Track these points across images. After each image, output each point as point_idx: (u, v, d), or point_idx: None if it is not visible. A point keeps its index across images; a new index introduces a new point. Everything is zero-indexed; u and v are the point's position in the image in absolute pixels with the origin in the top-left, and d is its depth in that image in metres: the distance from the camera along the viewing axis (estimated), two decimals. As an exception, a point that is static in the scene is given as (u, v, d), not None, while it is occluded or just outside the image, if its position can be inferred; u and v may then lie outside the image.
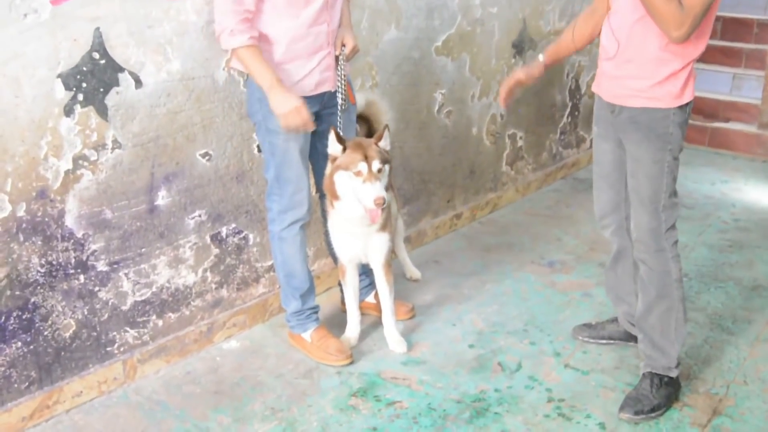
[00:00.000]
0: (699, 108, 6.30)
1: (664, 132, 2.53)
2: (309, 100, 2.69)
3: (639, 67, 2.51)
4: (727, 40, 7.21)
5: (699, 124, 6.27)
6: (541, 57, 2.89)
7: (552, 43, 2.96)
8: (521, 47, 4.60)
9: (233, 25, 2.49)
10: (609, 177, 2.80)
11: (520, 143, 4.83)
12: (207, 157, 2.92)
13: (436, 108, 4.02)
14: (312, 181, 2.96)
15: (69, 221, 2.55)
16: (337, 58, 2.77)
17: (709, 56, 6.45)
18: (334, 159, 2.70)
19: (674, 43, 2.40)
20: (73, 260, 2.59)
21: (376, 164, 2.65)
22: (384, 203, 2.62)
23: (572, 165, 5.54)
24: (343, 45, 2.78)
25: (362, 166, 2.63)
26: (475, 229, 4.44)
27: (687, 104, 2.55)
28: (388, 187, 2.76)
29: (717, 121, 6.71)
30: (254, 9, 2.53)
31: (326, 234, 3.03)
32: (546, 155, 5.19)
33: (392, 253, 3.13)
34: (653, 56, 2.47)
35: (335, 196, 2.73)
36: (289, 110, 2.57)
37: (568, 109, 5.35)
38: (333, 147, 2.70)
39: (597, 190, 2.88)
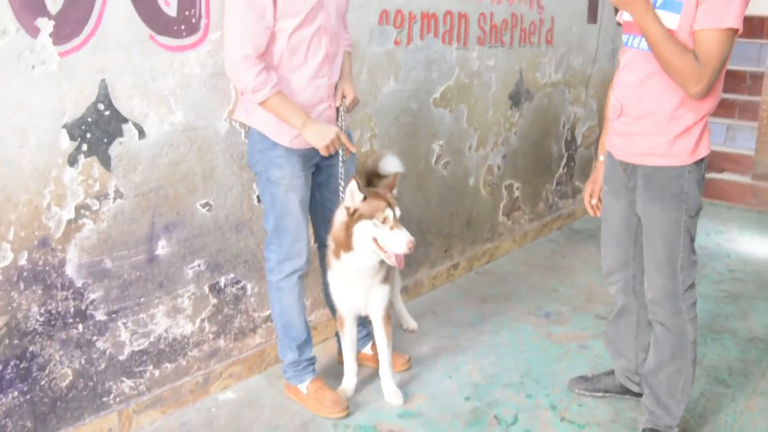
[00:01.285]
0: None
1: (679, 191, 2.47)
2: (310, 152, 2.73)
3: (653, 124, 2.46)
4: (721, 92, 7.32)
5: (693, 175, 6.35)
6: (600, 157, 2.83)
7: (601, 135, 2.87)
8: (518, 99, 4.67)
9: (253, 81, 2.54)
10: (617, 236, 2.75)
11: (516, 194, 4.87)
12: (207, 207, 2.94)
13: (434, 159, 4.07)
14: (311, 231, 2.98)
15: (69, 270, 2.55)
16: (337, 109, 2.81)
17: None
18: (354, 210, 2.67)
19: (692, 99, 2.36)
20: (72, 309, 2.59)
21: (398, 211, 2.68)
22: (413, 247, 2.63)
23: (568, 215, 5.58)
24: (344, 96, 2.82)
25: (389, 213, 2.64)
26: (472, 279, 4.45)
27: (702, 160, 2.49)
28: None
29: (712, 171, 6.78)
30: (264, 50, 2.57)
31: (324, 285, 3.04)
32: (542, 206, 5.23)
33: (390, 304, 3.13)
34: (667, 112, 2.43)
35: (349, 248, 2.71)
36: (329, 141, 2.65)
37: (564, 160, 5.40)
38: (354, 197, 2.67)
39: (605, 247, 2.83)
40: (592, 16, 5.40)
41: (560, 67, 5.09)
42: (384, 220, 2.64)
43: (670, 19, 2.31)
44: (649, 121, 2.46)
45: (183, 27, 2.71)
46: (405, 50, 3.71)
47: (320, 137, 2.65)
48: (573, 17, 5.14)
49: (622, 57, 2.60)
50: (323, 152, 2.68)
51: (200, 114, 2.84)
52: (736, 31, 2.27)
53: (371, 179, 3.17)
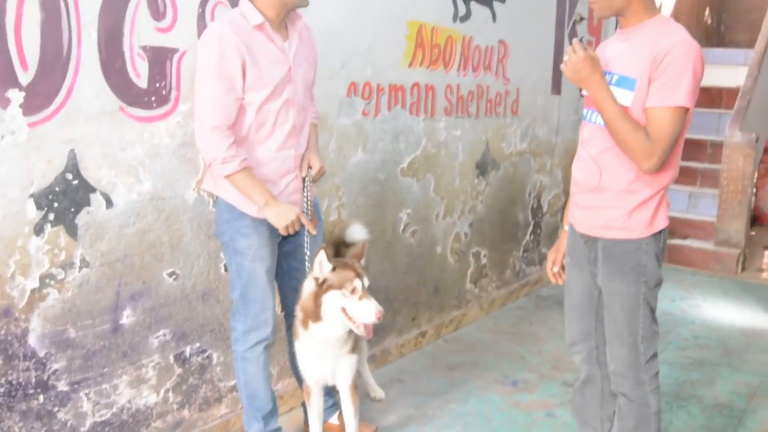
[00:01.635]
0: (657, 226, 6.49)
1: (637, 264, 2.49)
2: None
3: (610, 198, 2.50)
4: (683, 160, 7.45)
5: (658, 242, 6.46)
6: (566, 227, 2.85)
7: (567, 205, 2.89)
8: (484, 168, 4.76)
9: (223, 153, 2.58)
10: (579, 307, 2.77)
11: (483, 261, 4.92)
12: (174, 276, 2.94)
13: (401, 227, 4.11)
14: (278, 299, 2.99)
15: (32, 340, 2.53)
16: (303, 179, 2.86)
17: (665, 177, 6.75)
18: (323, 281, 2.68)
19: (645, 174, 2.41)
20: (33, 380, 2.55)
21: (366, 281, 2.69)
22: (381, 317, 2.64)
23: (535, 282, 5.63)
24: (310, 167, 2.87)
25: (358, 284, 2.65)
26: (440, 347, 4.46)
27: (660, 233, 2.52)
28: None
29: (675, 237, 6.91)
30: (234, 122, 2.62)
31: (291, 354, 3.03)
32: (509, 273, 5.29)
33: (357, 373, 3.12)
34: (623, 186, 2.47)
35: (317, 318, 2.70)
36: (289, 222, 2.69)
37: (531, 228, 5.48)
38: (323, 268, 2.68)
39: (568, 318, 2.84)
40: (556, 87, 5.56)
41: (526, 136, 5.21)
42: (353, 291, 2.65)
43: (624, 96, 2.39)
44: (606, 195, 2.51)
45: (153, 98, 2.76)
46: (373, 121, 3.79)
47: (280, 218, 2.69)
48: (538, 89, 5.29)
49: (582, 131, 2.66)
50: (282, 232, 2.71)
51: (168, 184, 2.86)
52: (686, 109, 2.34)
53: (339, 248, 3.19)
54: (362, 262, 2.82)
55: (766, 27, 7.75)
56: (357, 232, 3.19)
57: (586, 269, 2.68)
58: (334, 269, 2.67)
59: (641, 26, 2.45)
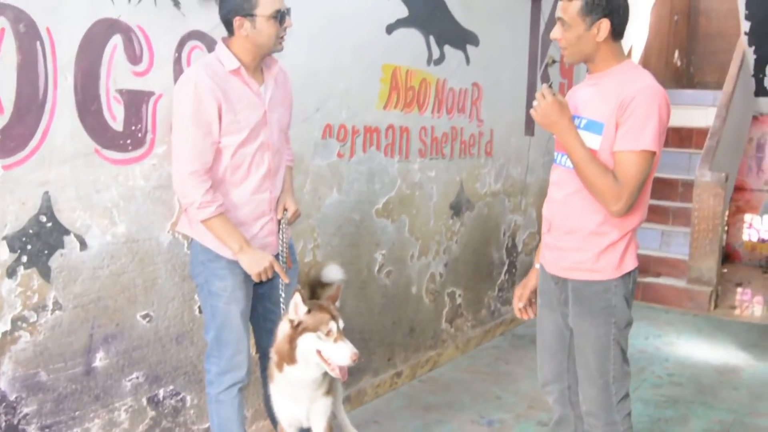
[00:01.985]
0: (630, 265, 6.57)
1: (606, 305, 2.52)
2: None
3: (578, 240, 2.55)
4: (655, 199, 7.65)
5: (631, 281, 6.52)
6: (537, 265, 2.87)
7: (540, 242, 2.91)
8: (459, 208, 4.80)
9: (200, 198, 2.60)
10: (551, 347, 2.78)
11: (459, 301, 4.94)
12: (147, 318, 2.93)
13: (376, 268, 4.13)
14: (252, 341, 2.98)
15: (2, 383, 2.50)
16: (279, 222, 2.87)
17: (637, 216, 6.89)
18: (298, 323, 2.67)
19: (614, 216, 2.46)
20: (3, 424, 2.52)
21: (342, 323, 2.68)
22: (356, 359, 2.63)
23: (511, 321, 5.66)
24: (285, 209, 2.89)
25: (333, 326, 2.64)
26: (416, 387, 4.45)
27: (629, 274, 2.55)
28: None
29: (648, 276, 6.99)
30: (210, 166, 2.64)
31: (266, 396, 3.01)
32: (485, 312, 5.31)
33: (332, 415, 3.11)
34: (591, 228, 2.52)
35: (292, 360, 2.68)
36: (262, 269, 2.70)
37: (506, 267, 5.52)
38: (299, 310, 2.66)
39: (540, 358, 2.86)
40: (530, 129, 5.64)
41: (500, 177, 5.27)
42: (328, 333, 2.65)
43: (592, 140, 2.46)
44: (574, 237, 2.56)
45: (129, 141, 2.78)
46: (348, 163, 3.83)
47: (253, 265, 2.70)
48: (511, 130, 5.37)
49: (552, 173, 2.72)
50: (255, 279, 2.73)
51: (143, 226, 2.87)
52: (653, 153, 2.40)
53: (315, 289, 3.20)
54: (337, 303, 2.83)
55: (733, 69, 7.94)
56: (333, 273, 3.20)
57: (557, 310, 2.71)
58: (309, 311, 2.67)
59: (609, 72, 2.52)
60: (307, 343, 2.66)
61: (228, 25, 2.69)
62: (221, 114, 2.61)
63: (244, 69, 2.68)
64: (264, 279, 2.73)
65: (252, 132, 2.70)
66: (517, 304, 2.92)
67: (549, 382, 2.84)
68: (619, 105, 2.40)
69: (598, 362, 2.55)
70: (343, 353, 2.63)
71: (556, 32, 2.53)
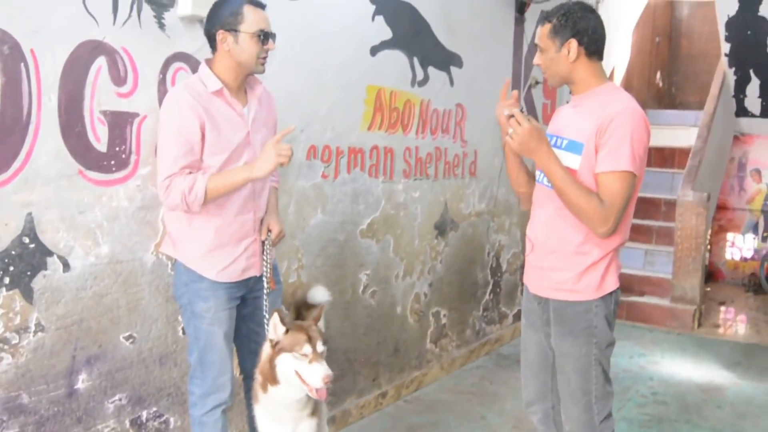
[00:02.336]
0: (614, 284, 6.62)
1: (587, 326, 2.54)
2: (235, 285, 2.77)
3: (560, 259, 2.56)
4: (639, 218, 7.71)
5: (615, 300, 6.54)
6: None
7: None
8: (443, 228, 4.82)
9: (186, 192, 2.57)
10: (534, 367, 2.79)
11: (443, 321, 4.95)
12: (131, 340, 2.92)
13: (361, 288, 4.13)
14: (236, 362, 2.98)
15: (-17, 407, 2.49)
16: (263, 242, 2.87)
17: (621, 235, 6.96)
18: (276, 343, 2.67)
19: (600, 238, 2.48)
20: (-17, 448, 2.51)
21: (319, 345, 2.65)
22: (329, 381, 2.60)
23: (496, 341, 5.67)
24: (269, 230, 2.89)
25: (307, 348, 2.62)
26: (401, 408, 4.44)
27: (611, 294, 2.57)
28: None
29: (632, 295, 7.02)
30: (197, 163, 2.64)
31: (250, 418, 2.99)
32: (469, 332, 5.31)
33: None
34: (572, 248, 2.54)
35: (275, 381, 2.68)
36: (274, 163, 2.62)
37: (490, 287, 5.54)
38: (277, 330, 2.67)
39: (524, 378, 2.85)
40: (513, 149, 5.67)
41: (484, 197, 5.30)
42: (303, 355, 2.64)
43: (572, 160, 2.49)
44: (556, 256, 2.58)
45: (113, 162, 2.78)
46: (332, 183, 3.84)
47: (268, 165, 2.62)
48: (495, 150, 5.40)
49: (534, 193, 2.74)
50: (284, 163, 2.64)
51: (127, 247, 2.86)
52: (633, 174, 2.44)
53: (300, 310, 3.20)
54: (320, 324, 2.83)
55: (714, 89, 8.04)
56: (319, 295, 3.20)
57: (541, 330, 2.72)
58: (287, 332, 2.67)
59: (590, 93, 2.57)
60: (284, 363, 2.65)
61: (211, 39, 2.70)
62: (204, 133, 2.62)
63: (226, 90, 2.69)
64: (285, 163, 2.63)
65: (235, 152, 2.71)
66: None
67: (533, 402, 2.84)
68: (598, 126, 2.44)
69: (580, 382, 2.56)
70: (316, 375, 2.60)
71: (537, 58, 2.62)
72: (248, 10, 2.66)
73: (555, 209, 2.57)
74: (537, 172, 2.71)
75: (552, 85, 2.64)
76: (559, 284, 2.57)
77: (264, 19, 2.70)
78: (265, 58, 2.73)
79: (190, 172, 2.62)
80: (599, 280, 2.54)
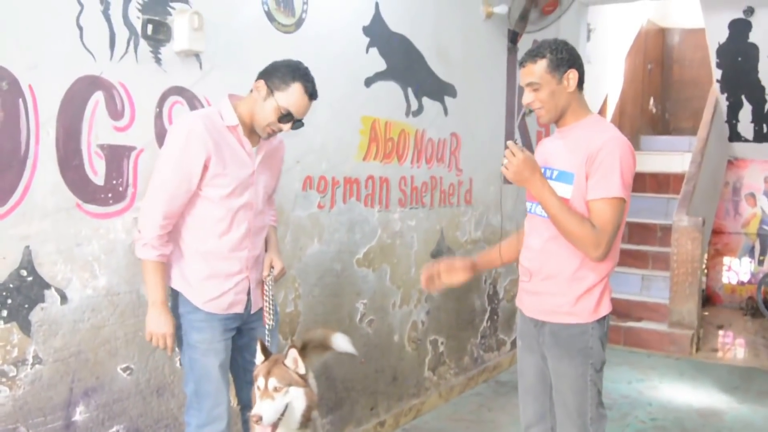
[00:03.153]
0: (613, 308, 6.61)
1: (584, 347, 2.62)
2: (231, 316, 2.79)
3: (556, 285, 2.64)
4: (635, 244, 7.73)
5: (613, 324, 6.52)
6: (474, 259, 2.99)
7: (483, 251, 3.06)
8: (439, 256, 4.84)
9: (149, 238, 2.60)
10: (533, 389, 2.83)
11: (441, 348, 4.96)
12: (128, 371, 2.93)
13: (358, 317, 4.15)
14: (233, 393, 2.98)
15: (-19, 440, 2.49)
16: (265, 279, 2.89)
17: (619, 259, 6.97)
18: (256, 368, 2.69)
19: (593, 262, 2.56)
20: (-19, 482, 2.51)
21: (272, 382, 2.60)
22: (257, 421, 2.54)
23: (494, 368, 5.66)
24: (272, 267, 2.91)
25: (260, 381, 2.62)
26: (399, 436, 4.44)
27: (604, 318, 2.66)
28: (311, 407, 2.74)
29: (630, 320, 7.02)
30: (179, 213, 2.66)
31: (247, 448, 3.00)
32: (468, 359, 5.31)
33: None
34: (569, 274, 2.62)
35: None
36: (158, 332, 2.66)
37: (488, 314, 5.55)
38: (258, 357, 2.70)
39: (522, 401, 2.89)
40: (508, 176, 5.71)
41: (480, 225, 5.33)
42: (258, 387, 2.63)
43: (564, 189, 2.56)
44: (552, 282, 2.65)
45: (110, 195, 2.81)
46: (328, 213, 3.87)
47: (153, 324, 2.66)
48: (490, 178, 5.44)
49: (526, 223, 2.80)
50: (146, 338, 2.69)
51: (124, 279, 2.88)
52: (623, 200, 2.51)
53: (306, 347, 3.16)
54: (292, 363, 2.66)
55: (707, 115, 8.11)
56: (342, 343, 3.20)
57: (537, 352, 2.77)
58: (263, 362, 2.68)
59: (576, 125, 2.65)
60: (255, 392, 2.66)
61: (256, 81, 2.75)
62: (208, 165, 2.63)
63: (241, 128, 2.71)
64: (155, 344, 2.69)
65: (237, 188, 2.72)
66: (426, 270, 2.99)
67: (532, 424, 2.87)
68: (587, 156, 2.52)
69: (577, 403, 2.62)
70: (254, 410, 2.58)
71: (527, 98, 2.63)
72: (295, 89, 2.69)
73: (549, 237, 2.63)
74: (528, 203, 2.77)
75: (547, 121, 2.67)
76: (556, 308, 2.65)
77: (301, 106, 2.73)
78: (274, 131, 2.75)
79: (171, 225, 2.65)
80: (595, 304, 2.62)
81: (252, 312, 2.87)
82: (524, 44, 5.83)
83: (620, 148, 2.51)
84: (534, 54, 2.60)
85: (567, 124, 2.66)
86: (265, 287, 2.88)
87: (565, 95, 2.60)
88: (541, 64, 2.58)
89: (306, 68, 2.75)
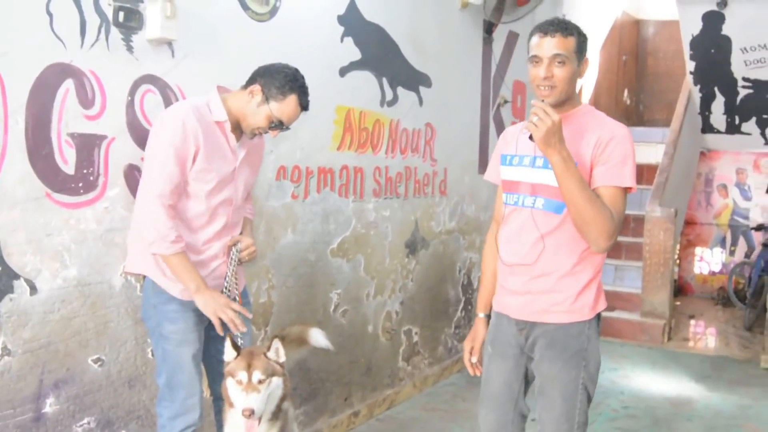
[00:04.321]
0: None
1: (580, 349, 2.47)
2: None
3: (553, 281, 2.47)
4: (608, 235, 7.75)
5: (586, 316, 6.59)
6: (481, 314, 2.77)
7: (479, 291, 2.82)
8: (414, 247, 4.85)
9: (166, 231, 2.57)
10: (498, 398, 2.65)
11: (415, 338, 4.97)
12: (99, 363, 2.91)
13: (332, 308, 4.14)
14: (206, 384, 2.97)
15: (-52, 433, 2.46)
16: (230, 249, 2.84)
17: (590, 251, 7.04)
18: (227, 365, 2.68)
19: (592, 254, 2.42)
20: (-51, 475, 2.48)
21: (257, 375, 2.60)
22: (250, 415, 2.53)
23: (468, 358, 5.69)
24: (238, 242, 2.87)
25: (243, 375, 2.60)
26: (373, 427, 4.44)
27: (599, 314, 2.52)
28: (285, 396, 2.75)
29: (603, 310, 7.07)
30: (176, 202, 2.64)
31: (219, 439, 2.99)
32: (442, 349, 5.33)
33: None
34: (567, 269, 2.46)
35: (229, 404, 2.68)
36: (221, 312, 2.66)
37: (462, 304, 5.57)
38: (228, 354, 2.67)
39: (484, 409, 2.70)
40: (483, 167, 5.73)
41: (454, 215, 5.34)
42: (239, 382, 2.62)
43: None
44: (548, 279, 2.49)
45: (81, 184, 2.78)
46: (302, 203, 3.86)
47: (209, 306, 2.67)
48: (465, 169, 5.45)
49: (511, 217, 2.59)
50: (213, 320, 2.68)
51: (95, 269, 2.86)
52: (628, 190, 2.42)
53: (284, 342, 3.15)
54: (274, 354, 2.68)
55: (680, 107, 8.18)
56: (319, 339, 3.20)
57: (513, 358, 2.61)
58: (237, 356, 2.66)
59: (574, 113, 2.49)
60: (229, 387, 2.63)
61: (251, 81, 2.75)
62: (196, 157, 2.62)
63: (228, 124, 2.71)
64: (224, 319, 2.68)
65: (219, 184, 2.71)
66: (469, 359, 2.78)
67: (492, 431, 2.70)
68: (596, 144, 2.40)
69: (565, 408, 2.50)
70: (241, 405, 2.56)
71: (544, 72, 2.41)
72: (291, 101, 2.74)
73: (548, 232, 2.47)
74: (515, 196, 2.57)
75: (552, 101, 2.41)
76: (554, 306, 2.48)
77: (294, 117, 2.78)
78: (260, 134, 2.80)
79: (175, 215, 2.62)
80: (593, 300, 2.49)
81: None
82: (499, 34, 5.84)
83: (629, 139, 2.41)
84: (564, 27, 2.40)
85: (565, 112, 2.46)
86: (231, 259, 2.84)
87: (576, 81, 2.46)
88: (571, 41, 2.40)
89: (302, 79, 2.78)
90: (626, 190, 2.42)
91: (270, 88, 2.71)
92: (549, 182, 2.43)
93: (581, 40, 2.43)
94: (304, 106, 2.79)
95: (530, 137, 2.33)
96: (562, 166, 2.28)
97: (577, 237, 2.43)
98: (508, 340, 2.61)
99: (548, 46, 2.39)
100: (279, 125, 2.76)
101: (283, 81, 2.72)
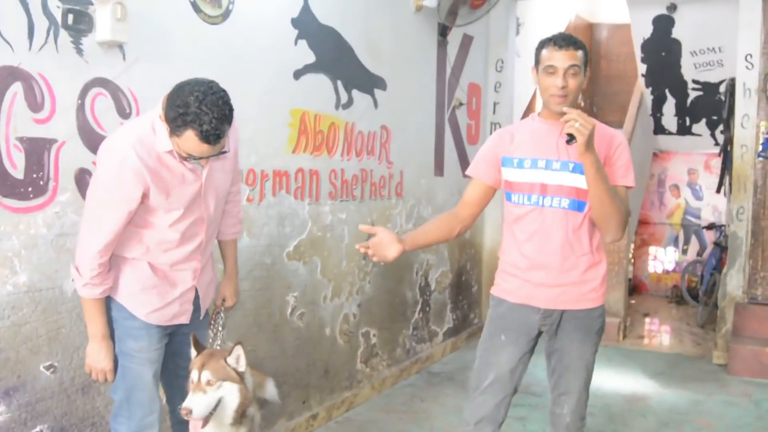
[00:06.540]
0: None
1: (600, 327, 2.83)
2: (165, 326, 2.73)
3: (583, 273, 2.76)
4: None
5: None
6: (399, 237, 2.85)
7: (416, 230, 2.95)
8: (371, 249, 4.85)
9: (88, 278, 2.51)
10: (501, 381, 2.83)
11: (373, 340, 4.98)
12: (51, 369, 2.87)
13: (289, 311, 4.13)
14: (164, 401, 2.92)
15: None
16: (216, 313, 2.89)
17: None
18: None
19: (609, 244, 2.75)
20: None
21: (206, 375, 2.60)
22: (187, 414, 2.54)
23: (426, 359, 5.72)
24: (224, 299, 2.86)
25: (194, 374, 2.61)
26: (332, 429, 4.44)
27: None
28: (244, 404, 2.72)
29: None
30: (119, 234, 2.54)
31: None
32: (400, 351, 5.35)
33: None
34: (590, 261, 2.77)
35: None
36: (97, 367, 2.65)
37: (419, 305, 5.60)
38: (191, 353, 2.70)
39: (483, 394, 2.85)
40: (439, 169, 5.78)
41: (411, 217, 5.37)
42: (191, 380, 2.62)
43: (582, 181, 2.65)
44: (577, 272, 2.76)
45: (30, 189, 2.74)
46: (257, 207, 3.84)
47: (94, 358, 2.64)
48: (421, 171, 5.49)
49: (525, 217, 2.79)
50: (86, 370, 2.68)
51: (46, 275, 2.81)
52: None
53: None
54: (234, 361, 2.68)
55: (632, 108, 8.31)
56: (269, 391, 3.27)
57: (525, 345, 2.84)
58: (196, 356, 2.66)
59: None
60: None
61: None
62: (148, 194, 2.48)
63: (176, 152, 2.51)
64: (94, 378, 2.68)
65: (187, 210, 2.60)
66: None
67: (486, 416, 2.84)
68: (606, 147, 2.70)
69: (588, 378, 2.87)
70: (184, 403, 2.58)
71: (561, 81, 2.64)
72: (188, 137, 2.39)
73: (574, 228, 2.74)
74: (532, 197, 2.75)
75: (559, 110, 2.59)
76: (582, 296, 2.78)
77: (197, 150, 2.43)
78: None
79: (108, 255, 2.54)
80: (605, 287, 2.86)
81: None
82: (454, 37, 5.89)
83: (628, 145, 2.78)
84: (575, 42, 2.68)
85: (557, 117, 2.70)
86: (219, 318, 2.87)
87: (581, 90, 2.72)
88: (581, 54, 2.67)
89: (200, 102, 2.34)
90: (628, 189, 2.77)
91: (168, 120, 2.41)
92: (576, 184, 2.69)
93: (586, 53, 2.71)
94: (206, 138, 2.36)
95: (567, 141, 2.54)
96: (597, 165, 2.55)
97: (591, 231, 2.75)
98: (525, 330, 2.84)
99: (564, 57, 2.65)
100: (186, 157, 2.47)
101: (174, 114, 2.36)
